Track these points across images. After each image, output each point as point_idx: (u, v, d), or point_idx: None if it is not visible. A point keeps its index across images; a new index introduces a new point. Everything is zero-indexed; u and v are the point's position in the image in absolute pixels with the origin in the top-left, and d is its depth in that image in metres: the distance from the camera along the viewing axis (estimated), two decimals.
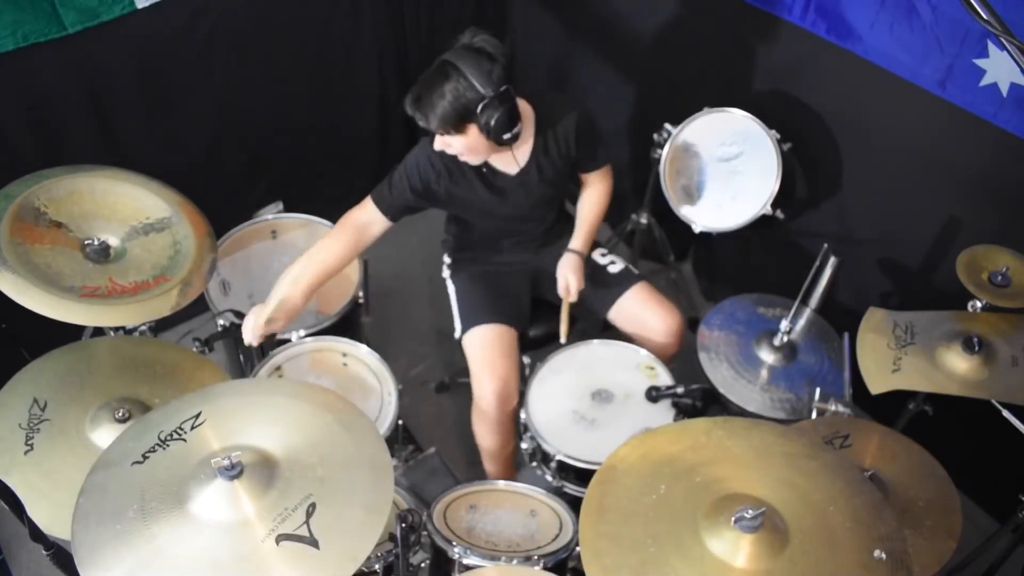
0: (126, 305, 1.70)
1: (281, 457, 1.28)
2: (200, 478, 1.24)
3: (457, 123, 1.80)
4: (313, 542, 1.18)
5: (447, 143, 1.88)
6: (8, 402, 1.59)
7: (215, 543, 1.19)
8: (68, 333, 1.87)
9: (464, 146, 1.87)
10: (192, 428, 1.32)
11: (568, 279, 2.13)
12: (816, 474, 1.33)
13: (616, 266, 2.26)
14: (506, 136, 1.84)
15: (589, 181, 2.24)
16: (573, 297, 2.15)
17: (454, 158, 1.96)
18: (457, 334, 2.18)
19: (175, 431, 1.31)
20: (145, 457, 1.28)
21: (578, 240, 2.19)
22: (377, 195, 2.03)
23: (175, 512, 1.21)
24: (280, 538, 1.18)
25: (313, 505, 1.21)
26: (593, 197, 2.23)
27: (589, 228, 2.21)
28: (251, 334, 1.93)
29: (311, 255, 2.00)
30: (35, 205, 1.74)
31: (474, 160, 1.95)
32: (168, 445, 1.30)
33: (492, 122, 1.80)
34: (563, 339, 2.16)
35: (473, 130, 1.83)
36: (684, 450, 1.38)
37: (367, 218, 2.03)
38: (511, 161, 2.01)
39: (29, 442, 1.53)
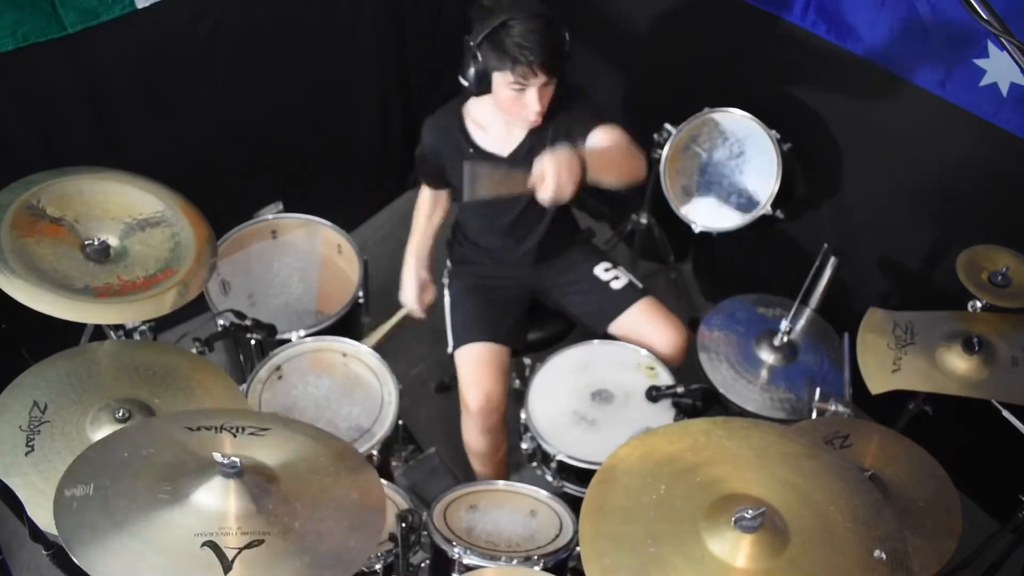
0: (142, 301, 1.71)
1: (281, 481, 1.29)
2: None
3: (562, 57, 1.84)
4: (227, 567, 1.16)
5: (544, 94, 1.86)
6: (9, 406, 1.59)
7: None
8: (69, 334, 1.87)
9: (552, 92, 1.89)
10: (250, 433, 1.36)
11: (547, 168, 1.68)
12: (816, 474, 1.33)
13: (619, 282, 2.22)
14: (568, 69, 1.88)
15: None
16: (546, 194, 1.68)
17: (449, 131, 2.04)
18: (449, 348, 2.19)
19: (236, 428, 1.36)
20: (194, 429, 1.34)
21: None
22: (417, 173, 2.25)
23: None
24: (205, 544, 1.17)
25: (260, 541, 1.19)
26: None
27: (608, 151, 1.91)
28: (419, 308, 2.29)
29: (417, 214, 2.29)
30: (32, 203, 1.74)
31: (541, 112, 1.89)
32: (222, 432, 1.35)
33: (569, 49, 1.85)
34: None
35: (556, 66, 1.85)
36: (684, 450, 1.38)
37: (426, 191, 2.28)
38: (502, 141, 2.03)
39: (30, 443, 1.54)
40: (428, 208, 2.28)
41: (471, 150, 2.03)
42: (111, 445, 1.34)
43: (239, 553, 1.16)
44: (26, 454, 1.52)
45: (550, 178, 1.65)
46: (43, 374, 1.66)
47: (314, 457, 1.37)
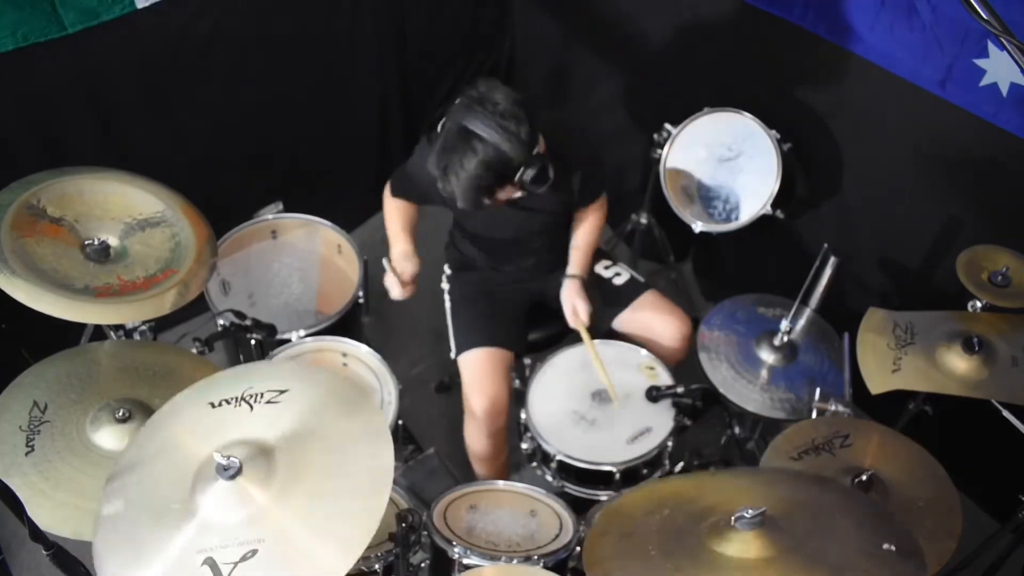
0: (142, 301, 1.71)
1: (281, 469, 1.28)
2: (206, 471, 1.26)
3: (488, 194, 1.77)
4: None
5: (500, 200, 1.85)
6: (8, 406, 1.59)
7: None
8: (69, 334, 1.87)
9: (496, 201, 1.85)
10: (266, 402, 1.36)
11: (575, 305, 2.12)
12: (820, 488, 1.35)
13: (621, 277, 2.24)
14: (540, 190, 1.79)
15: (583, 215, 2.20)
16: (585, 320, 2.12)
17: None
18: (453, 354, 2.19)
19: (256, 395, 1.36)
20: (218, 405, 1.36)
21: (575, 265, 2.17)
22: (393, 184, 2.18)
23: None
24: (207, 561, 1.17)
25: (253, 552, 1.18)
26: (587, 227, 2.20)
27: (584, 253, 2.19)
28: (398, 288, 2.05)
29: (392, 218, 2.18)
30: (32, 203, 1.74)
31: (504, 202, 1.91)
32: (241, 404, 1.36)
33: (528, 181, 1.76)
34: (609, 386, 2.06)
35: (508, 188, 1.80)
36: (688, 486, 1.43)
37: (397, 202, 2.19)
38: None
39: (30, 443, 1.54)
40: (400, 217, 2.18)
41: None
42: (142, 443, 1.36)
43: (234, 568, 1.16)
44: (26, 454, 1.52)
45: (582, 311, 2.11)
46: (43, 374, 1.66)
47: (330, 424, 1.35)
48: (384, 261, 2.10)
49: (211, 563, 1.17)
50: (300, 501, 1.23)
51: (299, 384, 1.40)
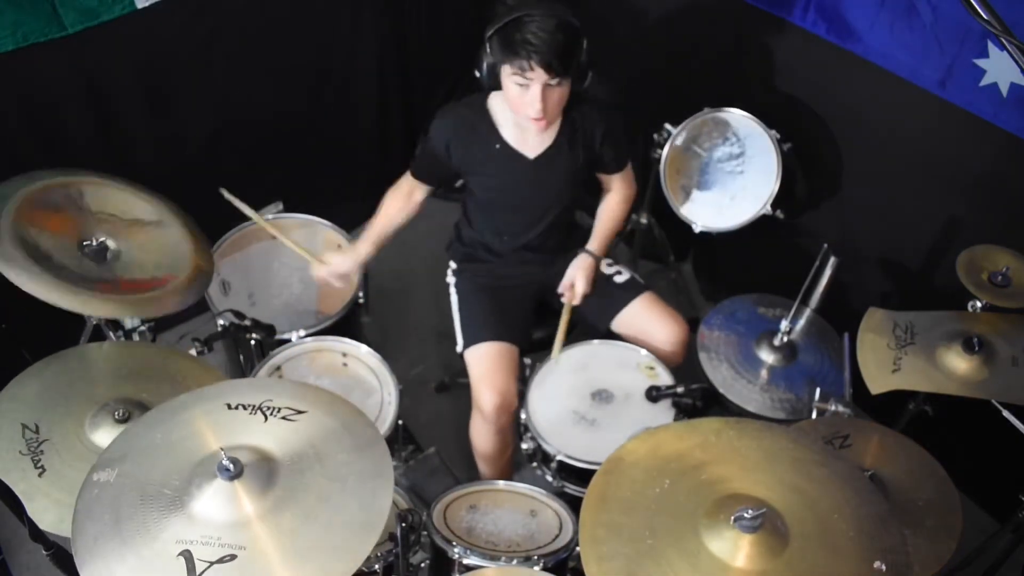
0: (142, 300, 1.71)
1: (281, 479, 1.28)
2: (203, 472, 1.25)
3: (572, 62, 1.84)
4: None
5: (549, 94, 1.84)
6: None
7: None
8: (68, 334, 1.87)
9: (560, 96, 1.87)
10: (282, 417, 1.37)
11: (576, 279, 2.14)
12: (824, 481, 1.33)
13: (622, 276, 2.25)
14: (590, 73, 1.90)
15: (610, 185, 2.24)
16: (577, 300, 2.14)
17: (472, 124, 2.01)
18: (459, 348, 2.18)
19: (274, 408, 1.37)
20: (235, 407, 1.37)
21: (595, 242, 2.20)
22: (413, 165, 2.18)
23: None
24: (184, 553, 1.17)
25: (232, 556, 1.18)
26: (613, 201, 2.24)
27: (607, 232, 2.22)
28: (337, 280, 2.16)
29: (377, 215, 2.20)
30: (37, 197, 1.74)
31: (551, 119, 1.92)
32: (257, 413, 1.37)
33: (586, 58, 1.86)
34: (555, 354, 2.12)
35: (567, 81, 1.86)
36: (693, 447, 1.38)
37: (409, 184, 2.19)
38: (532, 143, 2.03)
39: (39, 465, 1.52)
40: (401, 202, 2.20)
41: (498, 146, 2.03)
42: (150, 423, 1.37)
43: (208, 567, 1.16)
44: (40, 475, 1.51)
45: (579, 288, 2.14)
46: (16, 396, 1.64)
47: (335, 455, 1.34)
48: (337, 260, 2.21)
49: (187, 556, 1.16)
50: (289, 521, 1.22)
51: (319, 410, 1.39)
